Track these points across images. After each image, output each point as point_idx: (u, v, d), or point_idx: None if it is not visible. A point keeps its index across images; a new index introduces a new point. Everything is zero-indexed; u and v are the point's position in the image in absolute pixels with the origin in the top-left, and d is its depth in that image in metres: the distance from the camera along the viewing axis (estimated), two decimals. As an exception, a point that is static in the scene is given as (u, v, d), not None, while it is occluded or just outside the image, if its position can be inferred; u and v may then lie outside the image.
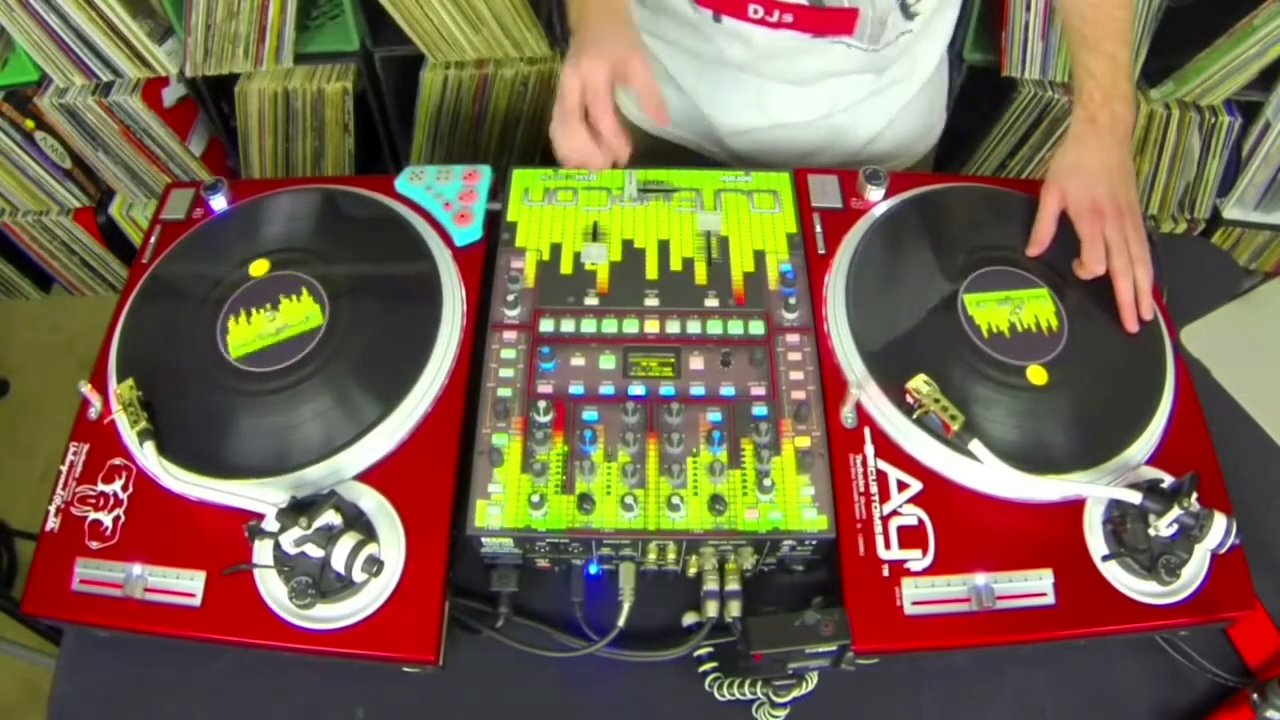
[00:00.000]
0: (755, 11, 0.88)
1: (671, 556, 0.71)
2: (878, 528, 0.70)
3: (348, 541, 0.64)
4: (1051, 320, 0.79)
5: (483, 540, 0.69)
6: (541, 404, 0.73)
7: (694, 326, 0.78)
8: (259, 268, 0.80)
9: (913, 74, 1.02)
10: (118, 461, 0.73)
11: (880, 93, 1.01)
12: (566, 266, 0.82)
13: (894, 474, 0.72)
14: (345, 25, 1.63)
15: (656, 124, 1.06)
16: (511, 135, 1.76)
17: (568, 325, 0.78)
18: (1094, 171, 0.82)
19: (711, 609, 0.69)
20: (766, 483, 0.69)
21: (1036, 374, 0.76)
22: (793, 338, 0.78)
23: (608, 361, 0.76)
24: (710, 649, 0.72)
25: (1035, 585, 0.69)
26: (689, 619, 0.71)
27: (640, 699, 0.72)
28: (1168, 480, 0.69)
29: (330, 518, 0.65)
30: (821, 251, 0.85)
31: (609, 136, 0.79)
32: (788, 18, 0.88)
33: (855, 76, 0.98)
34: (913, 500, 0.71)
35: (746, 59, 0.95)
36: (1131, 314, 0.79)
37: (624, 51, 0.79)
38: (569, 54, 0.82)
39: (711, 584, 0.70)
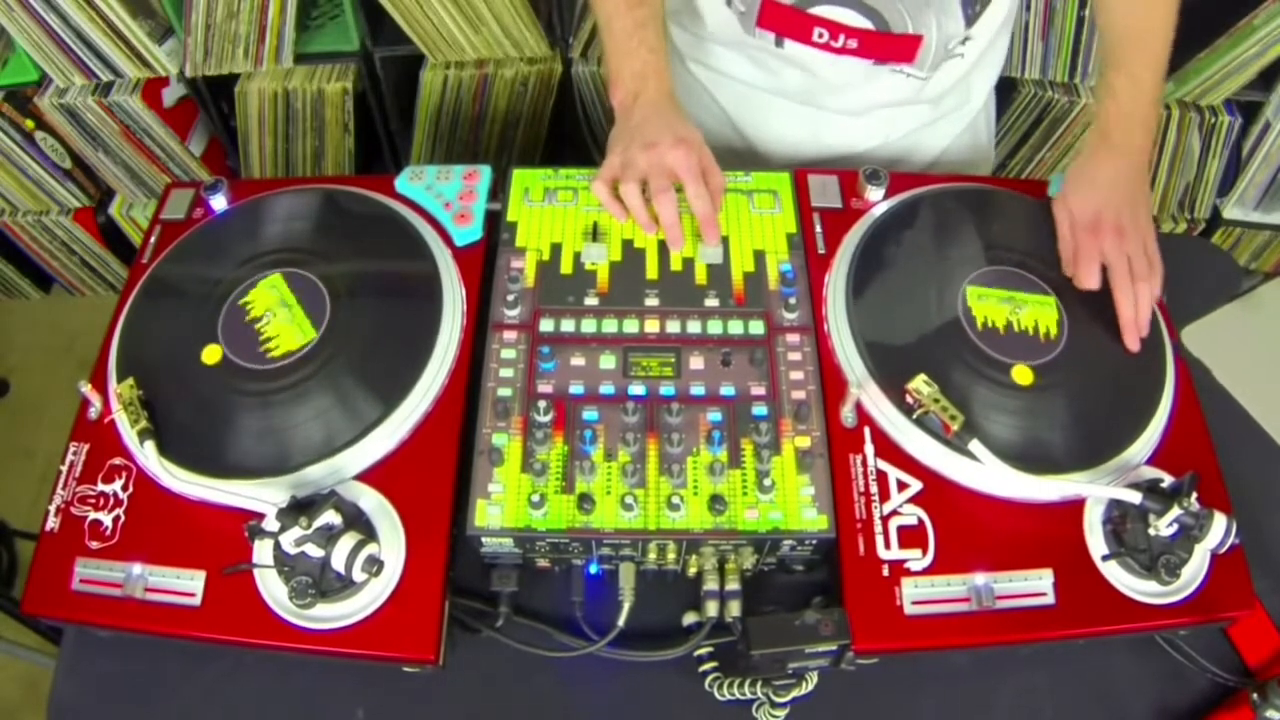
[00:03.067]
0: (820, 35, 0.87)
1: (671, 556, 0.71)
2: (878, 527, 0.70)
3: (348, 541, 0.64)
4: (1052, 328, 0.78)
5: (483, 540, 0.69)
6: (541, 404, 0.73)
7: (694, 326, 0.78)
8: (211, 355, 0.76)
9: (965, 104, 1.01)
10: (118, 461, 0.73)
11: (934, 123, 1.00)
12: (566, 266, 0.82)
13: (894, 474, 0.72)
14: (345, 25, 1.63)
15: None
16: (511, 135, 1.76)
17: (568, 325, 0.78)
18: (1100, 186, 0.81)
19: (711, 609, 0.69)
20: (766, 482, 0.69)
21: (1022, 373, 0.75)
22: (793, 337, 0.78)
23: (608, 361, 0.76)
24: (710, 649, 0.72)
25: (1035, 585, 0.69)
26: (689, 619, 0.72)
27: (640, 699, 0.72)
28: (1168, 480, 0.69)
29: (330, 517, 0.65)
30: (821, 251, 0.85)
31: (668, 225, 0.82)
32: (852, 43, 0.87)
33: (911, 107, 0.97)
34: (913, 500, 0.71)
35: (804, 87, 0.94)
36: (1134, 333, 0.78)
37: (702, 156, 0.82)
38: (628, 125, 0.82)
39: (711, 584, 0.70)
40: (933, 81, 0.92)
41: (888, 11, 0.84)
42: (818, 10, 0.86)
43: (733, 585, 0.70)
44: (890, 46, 0.87)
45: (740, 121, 1.02)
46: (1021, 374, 0.75)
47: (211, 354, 0.75)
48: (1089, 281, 0.79)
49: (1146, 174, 0.84)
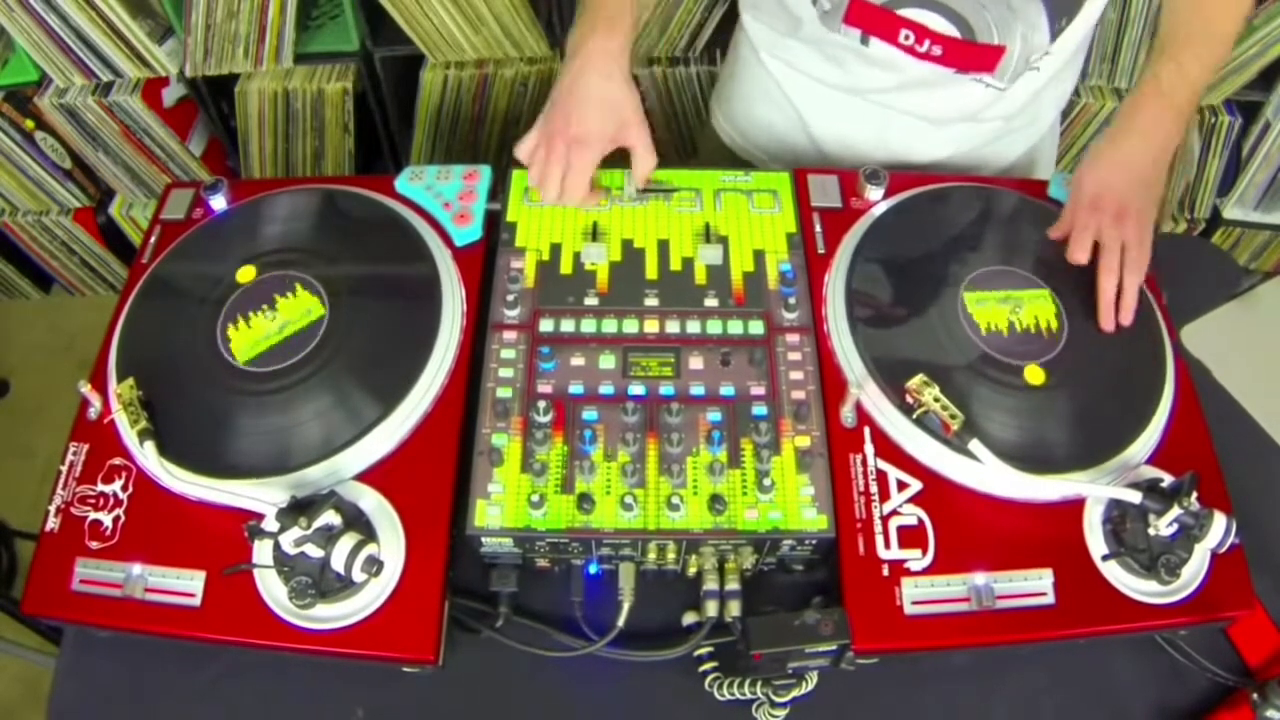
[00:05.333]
0: (906, 37, 0.86)
1: (671, 556, 0.71)
2: (877, 527, 0.70)
3: (347, 541, 0.64)
4: (1052, 321, 0.78)
5: (482, 540, 0.69)
6: (541, 404, 0.73)
7: (694, 326, 0.78)
8: (246, 274, 0.80)
9: (1034, 122, 1.01)
10: (118, 461, 0.73)
11: (999, 140, 1.00)
12: (566, 266, 0.82)
13: (894, 474, 0.72)
14: (345, 25, 1.63)
15: (741, 144, 1.07)
16: (511, 135, 1.76)
17: (567, 325, 0.78)
18: (1112, 166, 0.80)
19: (711, 609, 0.69)
20: (766, 482, 0.69)
21: (1034, 373, 0.75)
22: (792, 337, 0.78)
23: (607, 361, 0.76)
24: (710, 649, 0.72)
25: (1035, 585, 0.69)
26: (689, 619, 0.71)
27: (640, 699, 0.72)
28: (1168, 480, 0.69)
29: (330, 518, 0.65)
30: (821, 251, 0.85)
31: (576, 203, 0.83)
32: (936, 49, 0.86)
33: (983, 123, 0.96)
34: (912, 500, 0.71)
35: (882, 87, 0.93)
36: (1109, 313, 0.78)
37: (613, 129, 0.81)
38: (560, 90, 0.83)
39: (711, 584, 0.70)
40: (1008, 95, 0.92)
41: (975, 20, 0.84)
42: (907, 12, 0.85)
43: (733, 585, 0.70)
44: (973, 56, 0.87)
45: (810, 121, 1.02)
46: (1034, 374, 0.75)
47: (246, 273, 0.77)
48: (1077, 255, 0.78)
49: (1165, 164, 0.82)
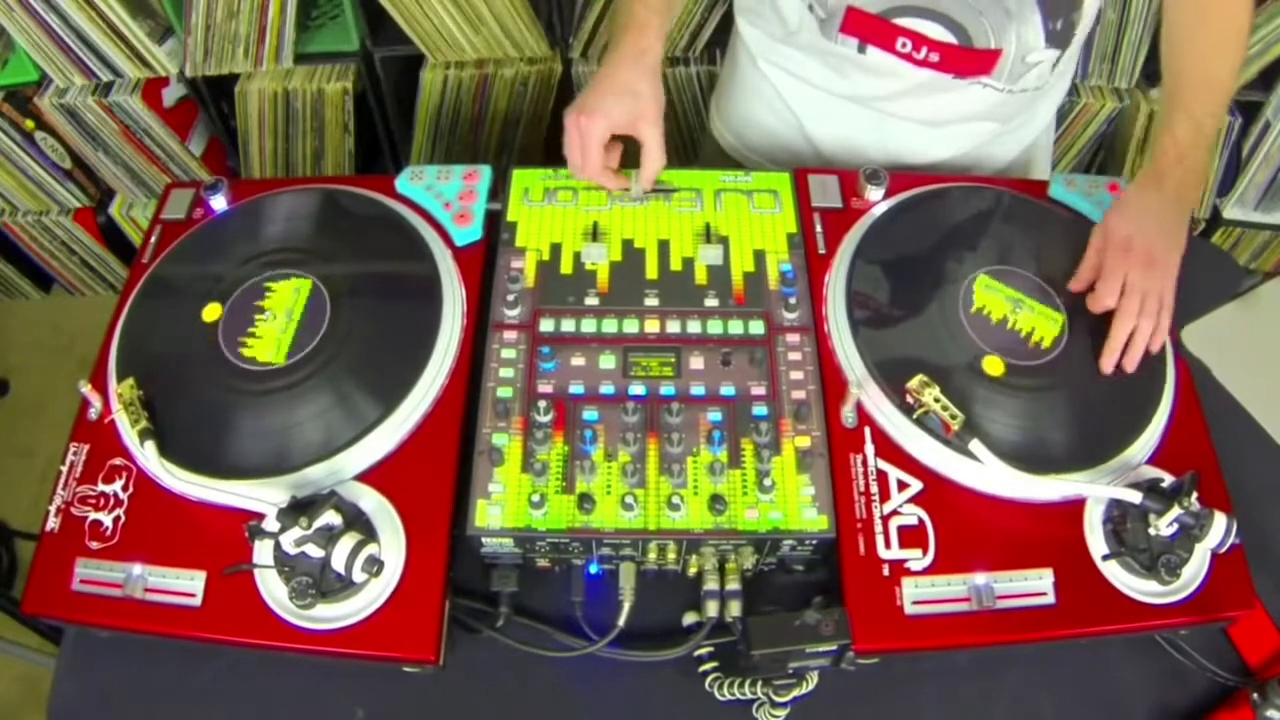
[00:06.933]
0: (903, 45, 0.87)
1: (671, 556, 0.71)
2: (878, 527, 0.70)
3: (348, 541, 0.64)
4: (1046, 340, 0.78)
5: (483, 540, 0.69)
6: (542, 404, 0.73)
7: (694, 326, 0.78)
8: (211, 312, 0.78)
9: (1030, 123, 1.01)
10: (118, 461, 0.73)
11: (998, 139, 1.00)
12: (566, 266, 0.82)
13: (894, 474, 0.72)
14: (345, 25, 1.63)
15: (739, 149, 1.07)
16: (511, 135, 1.76)
17: (568, 325, 0.78)
18: (1139, 215, 0.80)
19: (711, 609, 0.69)
20: (767, 482, 0.69)
21: (992, 364, 0.75)
22: (793, 337, 0.78)
23: (608, 361, 0.76)
24: (710, 649, 0.72)
25: (1035, 585, 0.69)
26: (689, 619, 0.71)
27: (640, 699, 0.72)
28: (1168, 480, 0.69)
29: (330, 518, 0.65)
30: (822, 251, 0.85)
31: (591, 179, 0.86)
32: (934, 56, 0.87)
33: (979, 124, 0.97)
34: (913, 500, 0.71)
35: (880, 94, 0.94)
36: (1113, 358, 0.76)
37: (627, 116, 0.82)
38: (592, 80, 0.84)
39: (711, 584, 0.70)
40: (1006, 96, 0.92)
41: (972, 27, 0.84)
42: (902, 21, 0.85)
43: (733, 585, 0.70)
44: (970, 61, 0.87)
45: (809, 125, 1.02)
46: (992, 364, 0.75)
47: (212, 311, 0.76)
48: (1107, 298, 0.77)
49: (1188, 219, 0.83)
